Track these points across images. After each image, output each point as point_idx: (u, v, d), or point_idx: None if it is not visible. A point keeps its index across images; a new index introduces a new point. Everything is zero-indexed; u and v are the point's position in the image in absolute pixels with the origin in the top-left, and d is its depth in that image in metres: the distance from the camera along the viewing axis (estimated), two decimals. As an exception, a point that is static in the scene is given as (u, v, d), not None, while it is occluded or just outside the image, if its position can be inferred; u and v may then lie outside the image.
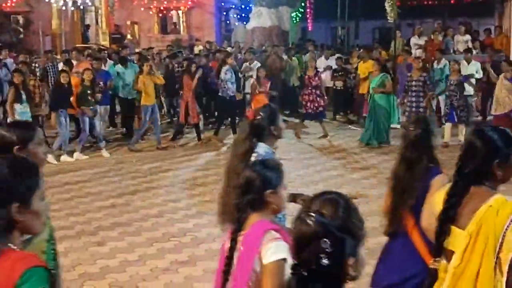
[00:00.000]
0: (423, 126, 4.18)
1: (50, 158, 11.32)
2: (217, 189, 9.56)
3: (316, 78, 13.84)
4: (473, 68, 13.95)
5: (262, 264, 2.90)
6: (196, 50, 19.60)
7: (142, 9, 24.03)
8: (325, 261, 1.97)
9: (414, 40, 17.99)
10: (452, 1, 19.76)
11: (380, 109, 12.51)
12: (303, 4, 27.43)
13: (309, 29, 29.07)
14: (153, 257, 6.82)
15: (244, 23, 25.34)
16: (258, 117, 4.42)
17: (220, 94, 13.91)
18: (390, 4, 18.25)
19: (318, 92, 13.65)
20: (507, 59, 13.20)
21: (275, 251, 2.87)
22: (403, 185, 4.11)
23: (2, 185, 2.17)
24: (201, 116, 14.52)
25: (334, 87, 16.06)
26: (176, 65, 15.39)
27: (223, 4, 25.60)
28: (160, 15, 24.76)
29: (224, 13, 26.51)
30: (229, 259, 3.04)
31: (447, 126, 12.40)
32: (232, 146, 4.45)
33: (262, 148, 4.30)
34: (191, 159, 11.95)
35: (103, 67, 14.30)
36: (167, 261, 6.68)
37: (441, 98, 14.01)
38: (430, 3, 19.80)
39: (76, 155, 12.12)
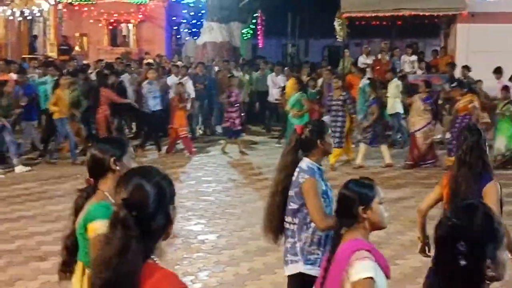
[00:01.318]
0: (480, 133, 4.45)
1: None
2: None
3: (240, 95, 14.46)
4: (391, 87, 14.08)
5: (350, 283, 2.94)
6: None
7: (91, 21, 23.72)
8: (462, 262, 2.10)
9: (362, 60, 18.27)
10: (399, 22, 20.14)
11: (290, 130, 12.17)
12: (254, 20, 27.60)
13: (260, 46, 29.22)
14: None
15: (195, 38, 25.32)
16: (306, 131, 4.36)
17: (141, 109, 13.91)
18: (339, 23, 18.59)
19: (239, 109, 13.90)
20: (425, 80, 13.34)
21: (360, 270, 2.93)
22: (463, 188, 4.30)
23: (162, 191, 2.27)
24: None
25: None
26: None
27: (174, 18, 25.50)
28: (110, 27, 24.51)
29: (175, 28, 26.42)
30: (325, 271, 3.14)
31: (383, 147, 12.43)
32: (279, 158, 4.47)
33: (305, 163, 4.28)
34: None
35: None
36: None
37: (359, 117, 14.24)
38: (378, 23, 20.16)
39: (20, 168, 11.84)
